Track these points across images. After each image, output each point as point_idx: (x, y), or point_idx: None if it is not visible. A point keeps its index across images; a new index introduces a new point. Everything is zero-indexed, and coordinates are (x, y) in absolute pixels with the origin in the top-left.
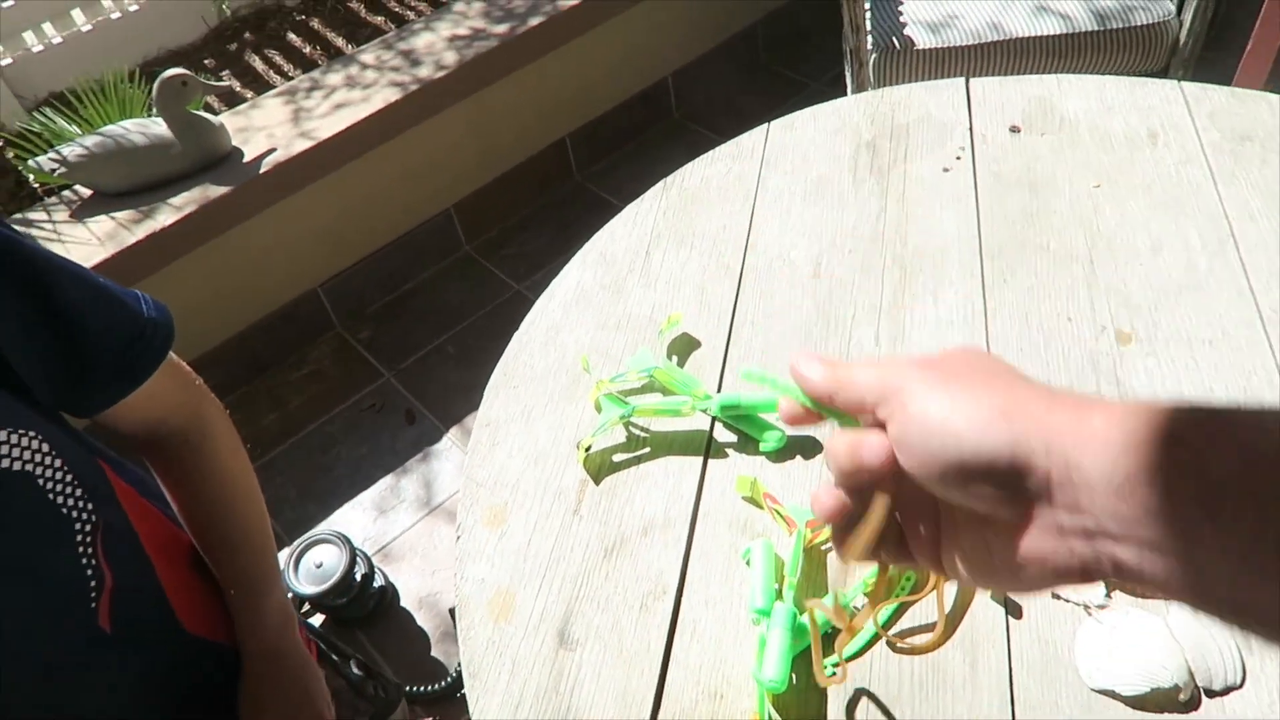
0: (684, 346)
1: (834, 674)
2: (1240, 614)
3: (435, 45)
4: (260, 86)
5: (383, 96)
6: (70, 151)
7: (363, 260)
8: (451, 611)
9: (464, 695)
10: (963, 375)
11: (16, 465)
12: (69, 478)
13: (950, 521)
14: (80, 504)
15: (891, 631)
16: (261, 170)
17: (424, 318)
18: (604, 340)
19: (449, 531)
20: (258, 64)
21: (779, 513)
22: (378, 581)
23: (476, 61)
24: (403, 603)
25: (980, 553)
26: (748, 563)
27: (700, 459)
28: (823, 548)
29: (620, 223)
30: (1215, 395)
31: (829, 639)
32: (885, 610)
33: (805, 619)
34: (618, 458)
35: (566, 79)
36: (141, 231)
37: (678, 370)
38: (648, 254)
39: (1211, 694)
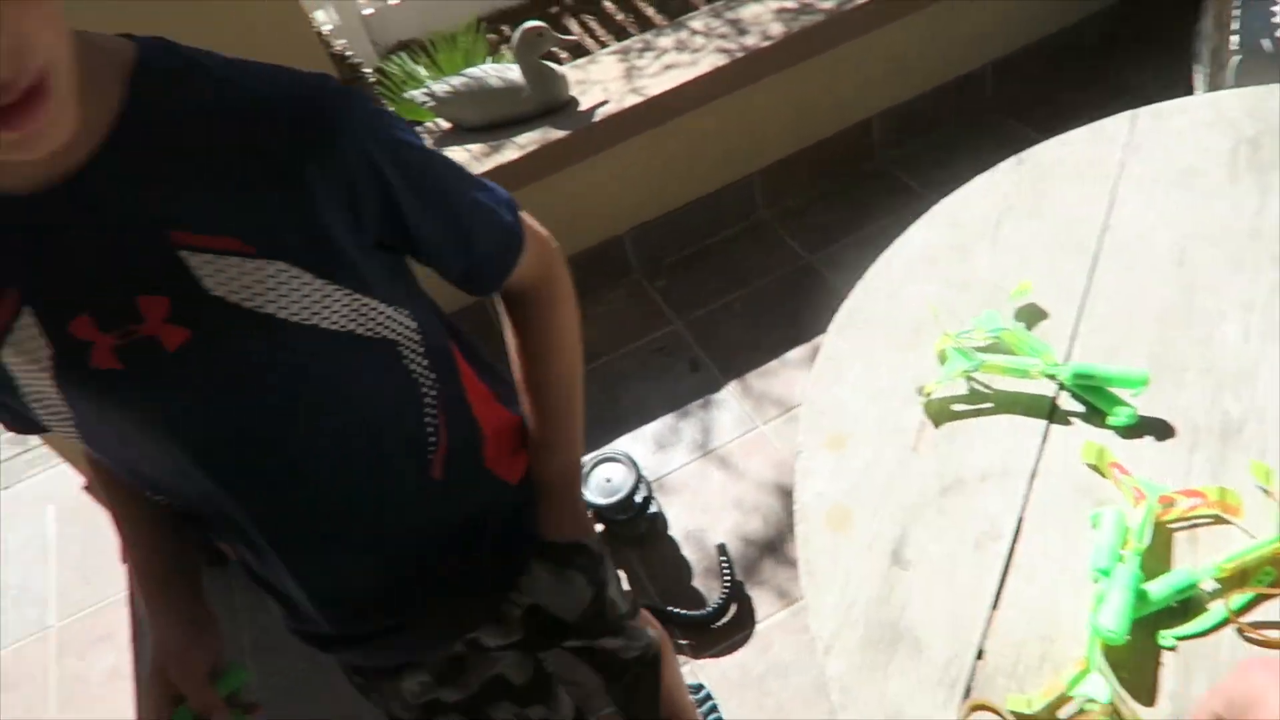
0: (1031, 316)
1: (1173, 646)
2: None
3: (762, 16)
4: (576, 50)
5: (709, 61)
6: (440, 89)
7: (667, 213)
8: (720, 548)
9: (719, 626)
10: None
11: (389, 334)
12: (424, 350)
13: None
14: (429, 374)
15: (1245, 620)
16: (594, 119)
17: (717, 275)
18: (949, 298)
19: (721, 474)
20: (574, 27)
21: (1127, 484)
22: (653, 508)
23: (801, 34)
24: (670, 532)
25: None
26: (1094, 525)
27: (1043, 422)
28: (1169, 525)
29: (972, 190)
30: None
31: (1174, 612)
32: (1240, 597)
33: (1147, 586)
34: (958, 407)
35: (881, 58)
36: (490, 164)
37: (1027, 334)
38: (998, 223)
39: None
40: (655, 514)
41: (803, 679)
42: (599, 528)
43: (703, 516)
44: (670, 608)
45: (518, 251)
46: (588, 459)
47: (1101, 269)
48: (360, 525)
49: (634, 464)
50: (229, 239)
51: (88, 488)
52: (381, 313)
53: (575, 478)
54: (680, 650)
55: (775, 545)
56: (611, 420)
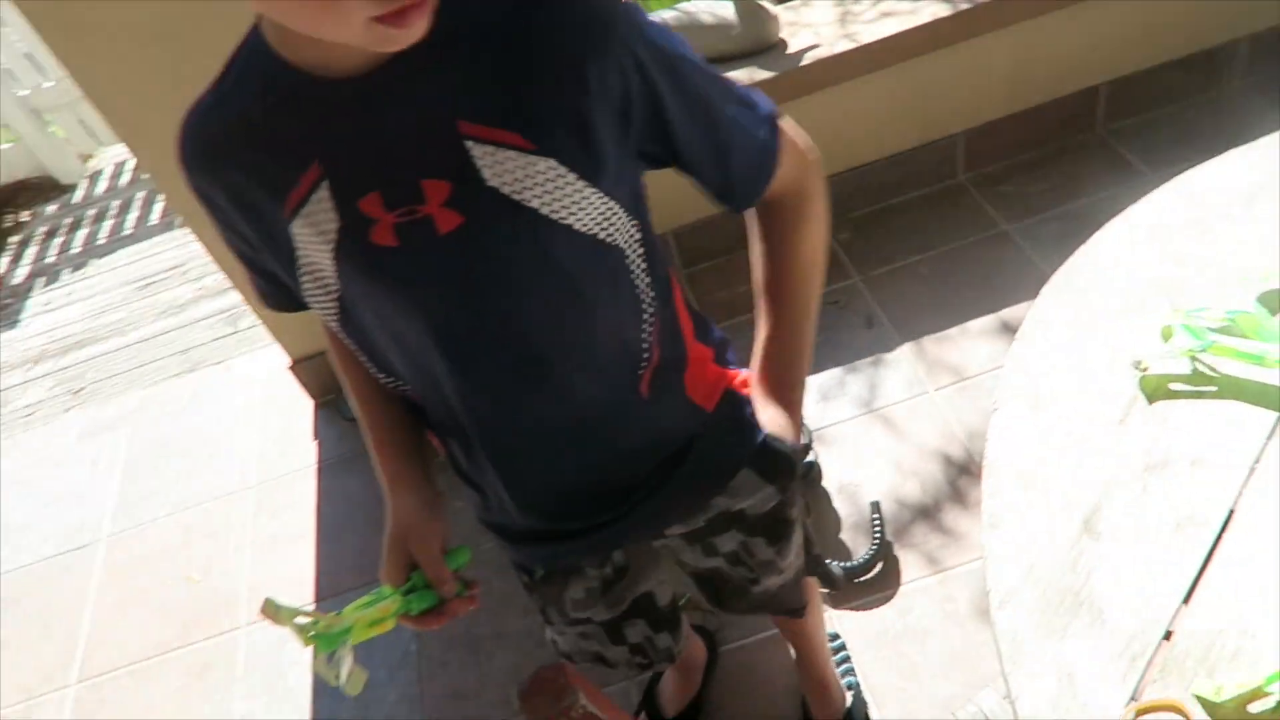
0: (1275, 302)
1: None
2: None
3: None
4: None
5: (931, 11)
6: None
7: (861, 166)
8: (874, 505)
9: (862, 581)
10: None
11: (625, 245)
12: (648, 266)
13: None
14: (650, 291)
15: None
16: (802, 63)
17: (905, 234)
18: (1181, 275)
19: (883, 434)
20: None
21: None
22: (810, 456)
23: None
24: (824, 483)
25: None
26: None
27: (1273, 414)
28: None
29: (1222, 164)
30: None
31: None
32: None
33: None
34: (1176, 387)
35: (1118, 21)
36: None
37: (1269, 319)
38: (1249, 201)
39: None
40: (811, 463)
41: (941, 646)
42: None
43: (859, 472)
44: (817, 552)
45: (770, 171)
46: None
47: None
48: (572, 430)
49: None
50: (511, 134)
51: (293, 368)
52: (625, 221)
53: (798, 383)
54: (822, 600)
55: (930, 511)
56: None
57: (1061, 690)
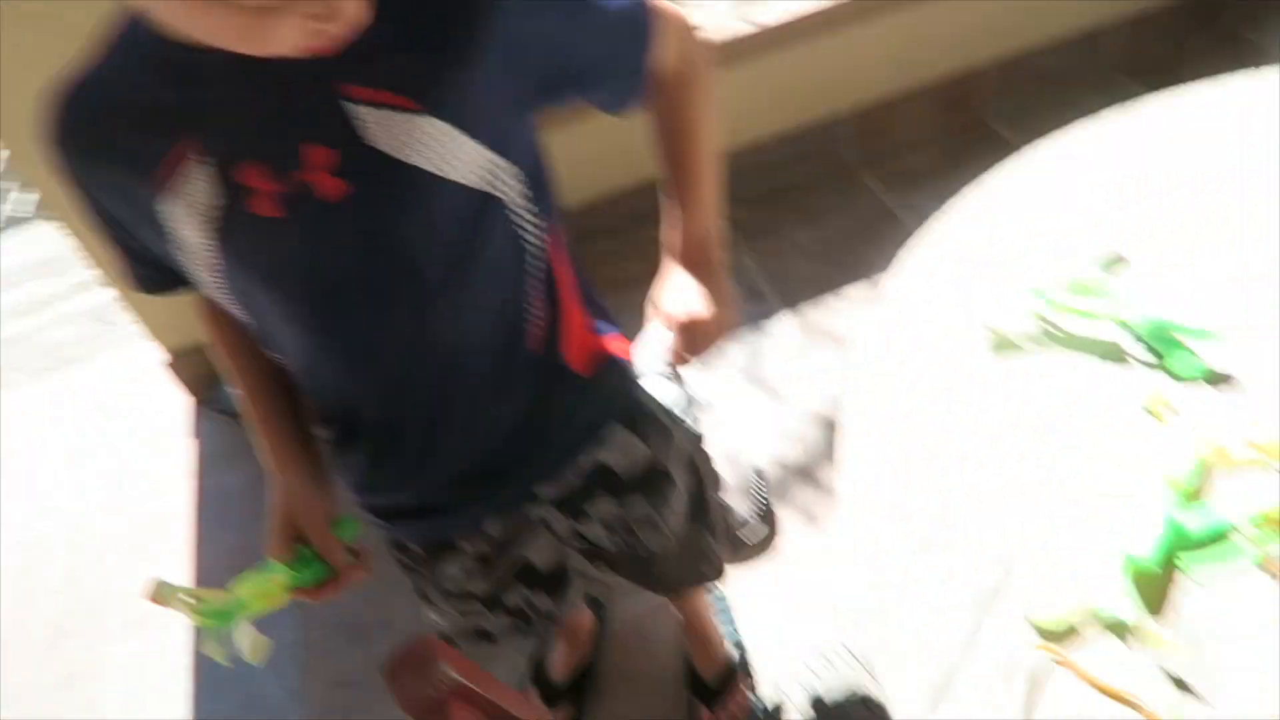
0: (1113, 264)
1: (1192, 572)
2: None
3: None
4: None
5: None
6: None
7: (751, 146)
8: (757, 470)
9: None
10: None
11: (513, 200)
12: (536, 221)
13: None
14: (539, 247)
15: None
16: None
17: (792, 210)
18: (1030, 241)
19: (766, 401)
20: None
21: (1184, 431)
22: (694, 424)
23: None
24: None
25: None
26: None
27: (1110, 366)
28: (1218, 472)
29: (1069, 138)
30: None
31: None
32: (1268, 536)
33: (1181, 520)
34: (1025, 346)
35: (996, 9)
36: None
37: (1106, 280)
38: (1091, 172)
39: None
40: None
41: (820, 595)
42: None
43: (742, 439)
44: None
45: (648, 34)
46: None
47: (1191, 223)
48: (459, 393)
49: (681, 379)
50: (390, 94)
51: (170, 365)
52: (509, 173)
53: (715, 242)
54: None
55: (811, 473)
56: None
57: (920, 624)
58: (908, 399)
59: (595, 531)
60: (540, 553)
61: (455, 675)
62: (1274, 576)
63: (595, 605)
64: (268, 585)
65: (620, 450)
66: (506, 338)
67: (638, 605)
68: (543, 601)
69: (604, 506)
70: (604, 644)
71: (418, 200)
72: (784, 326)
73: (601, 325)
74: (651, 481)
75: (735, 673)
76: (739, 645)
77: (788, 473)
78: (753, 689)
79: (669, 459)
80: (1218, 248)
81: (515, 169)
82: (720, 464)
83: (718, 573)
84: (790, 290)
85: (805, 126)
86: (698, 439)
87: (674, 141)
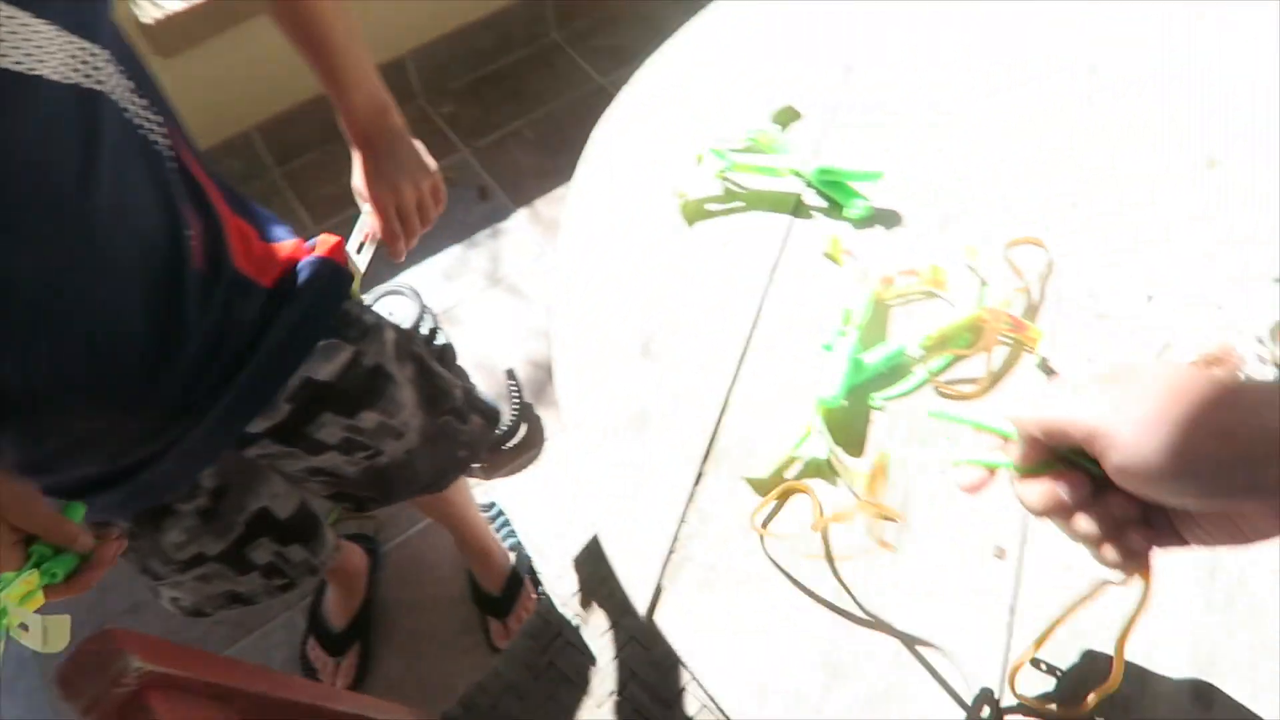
0: (786, 117)
1: (881, 406)
2: None
3: None
4: None
5: None
6: None
7: (452, 33)
8: (509, 372)
9: (509, 447)
10: (1164, 403)
11: (108, 86)
12: (145, 112)
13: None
14: (163, 145)
15: (941, 379)
16: None
17: (507, 100)
18: (712, 104)
19: (511, 303)
20: None
21: (855, 267)
22: (440, 339)
23: None
24: (460, 361)
25: (1223, 526)
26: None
27: (788, 217)
28: (889, 303)
29: (731, 8)
30: None
31: (887, 378)
32: (938, 360)
33: (864, 356)
34: (711, 207)
35: None
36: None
37: (780, 135)
38: (764, 27)
39: None
40: (444, 345)
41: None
42: None
43: (492, 344)
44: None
45: None
46: (368, 296)
47: (854, 73)
48: (127, 329)
49: (417, 295)
50: None
51: None
52: (107, 63)
53: (388, 108)
54: (472, 474)
55: None
56: None
57: (634, 497)
58: (607, 282)
59: (332, 461)
60: (277, 500)
61: (146, 665)
62: (945, 394)
63: (363, 540)
64: (22, 587)
65: (326, 360)
66: (165, 255)
67: (409, 531)
68: (295, 553)
69: (332, 429)
70: (379, 579)
71: (12, 105)
72: (518, 223)
73: (276, 231)
74: (374, 387)
75: (521, 579)
76: (520, 550)
77: (541, 370)
78: (539, 590)
79: (384, 357)
80: (879, 94)
81: (109, 54)
82: (473, 374)
83: (476, 455)
84: (518, 186)
85: (507, 6)
86: (410, 332)
87: (304, 26)
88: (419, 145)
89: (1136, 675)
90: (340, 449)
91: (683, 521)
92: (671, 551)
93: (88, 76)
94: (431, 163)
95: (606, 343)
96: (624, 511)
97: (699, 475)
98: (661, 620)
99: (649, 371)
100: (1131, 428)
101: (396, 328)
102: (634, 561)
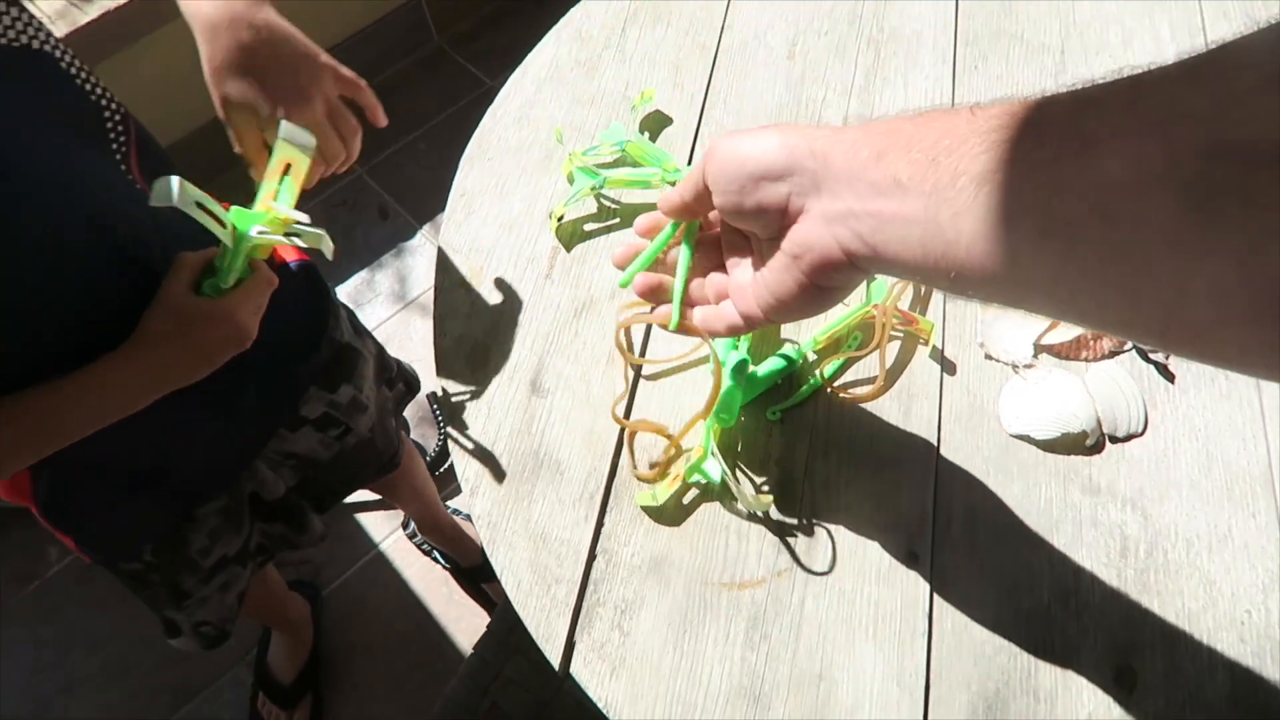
0: (656, 123)
1: (778, 417)
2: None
3: None
4: None
5: None
6: None
7: (330, 51)
8: (430, 396)
9: (442, 472)
10: (760, 128)
11: (33, 41)
12: (88, 74)
13: (758, 255)
14: (112, 110)
15: (836, 384)
16: None
17: (395, 113)
18: (578, 116)
19: (422, 323)
20: None
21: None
22: None
23: None
24: None
25: (779, 276)
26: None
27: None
28: None
29: (594, 1)
30: None
31: (782, 388)
32: (831, 364)
33: (755, 369)
34: (589, 227)
35: None
36: (94, 11)
37: (650, 145)
38: (624, 31)
39: (1115, 440)
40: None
41: None
42: None
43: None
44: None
45: None
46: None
47: (720, 70)
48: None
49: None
50: None
51: None
52: (41, 25)
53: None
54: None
55: None
56: None
57: (537, 549)
58: (484, 309)
59: (307, 441)
60: (264, 487)
61: None
62: (842, 397)
63: (304, 587)
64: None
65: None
66: (114, 168)
67: (346, 573)
68: (277, 528)
69: (314, 404)
70: (324, 626)
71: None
72: (422, 240)
73: None
74: (347, 361)
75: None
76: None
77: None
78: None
79: (347, 332)
80: (750, 89)
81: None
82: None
83: (400, 421)
84: (419, 202)
85: (383, 16)
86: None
87: None
88: (295, 31)
89: (1056, 671)
90: (316, 425)
91: (591, 562)
92: (580, 599)
93: (31, 37)
94: (314, 47)
95: (494, 383)
96: (530, 564)
97: (600, 515)
98: (578, 672)
99: (540, 408)
100: (728, 137)
101: (347, 310)
102: (544, 616)
